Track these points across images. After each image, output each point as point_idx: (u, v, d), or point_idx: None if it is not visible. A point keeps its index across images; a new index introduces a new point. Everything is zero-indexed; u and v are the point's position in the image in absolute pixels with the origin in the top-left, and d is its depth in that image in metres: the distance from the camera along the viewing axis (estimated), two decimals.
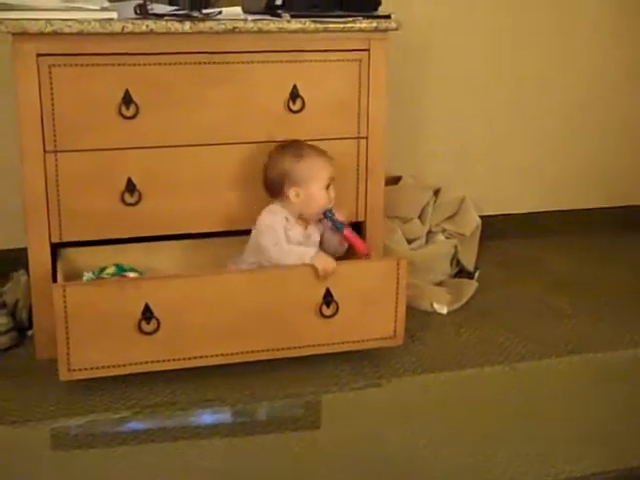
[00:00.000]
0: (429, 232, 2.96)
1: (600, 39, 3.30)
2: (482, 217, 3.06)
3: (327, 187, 2.34)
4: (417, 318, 2.63)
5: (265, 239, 2.30)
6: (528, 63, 3.25)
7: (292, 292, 2.25)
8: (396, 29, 2.39)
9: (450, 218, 3.02)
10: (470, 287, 2.86)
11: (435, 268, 2.90)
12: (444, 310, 2.73)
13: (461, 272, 3.00)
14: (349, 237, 2.37)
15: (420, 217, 2.95)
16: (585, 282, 2.99)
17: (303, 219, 2.38)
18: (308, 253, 2.29)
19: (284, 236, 2.33)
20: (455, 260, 2.98)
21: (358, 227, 2.55)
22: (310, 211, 2.37)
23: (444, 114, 3.21)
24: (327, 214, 2.37)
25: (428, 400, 2.26)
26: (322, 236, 2.44)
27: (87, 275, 2.37)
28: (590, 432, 1.83)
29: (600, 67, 3.33)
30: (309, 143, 2.37)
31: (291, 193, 2.33)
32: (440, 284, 2.89)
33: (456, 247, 2.96)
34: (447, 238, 2.97)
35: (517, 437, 2.10)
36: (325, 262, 2.27)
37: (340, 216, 2.38)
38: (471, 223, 3.01)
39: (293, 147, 2.35)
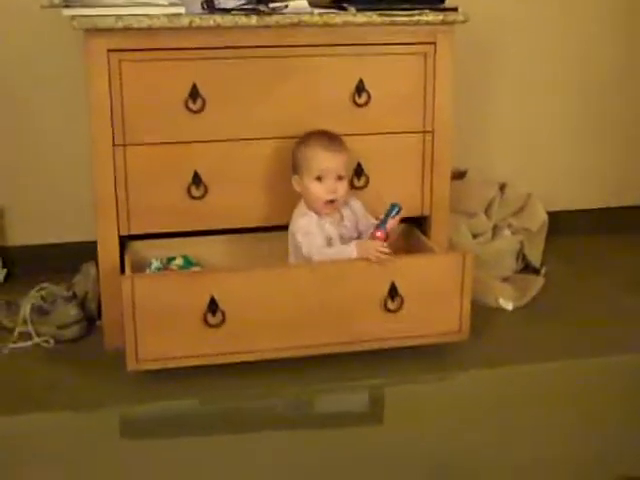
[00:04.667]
0: (495, 227, 2.93)
1: None
2: (549, 213, 3.01)
3: (319, 179, 2.29)
4: (482, 313, 2.60)
5: (305, 247, 2.30)
6: (596, 61, 3.19)
7: (357, 286, 2.25)
8: (463, 22, 2.37)
9: (516, 213, 2.98)
10: (536, 283, 2.82)
11: (501, 263, 2.87)
12: (510, 306, 2.69)
13: (527, 268, 2.96)
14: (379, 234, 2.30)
15: (486, 212, 2.92)
16: None
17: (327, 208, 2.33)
18: (347, 251, 2.26)
19: (321, 236, 2.31)
20: (521, 256, 2.94)
21: (423, 222, 2.54)
22: (310, 203, 2.33)
23: (511, 109, 3.17)
24: (391, 208, 2.32)
25: (493, 395, 2.25)
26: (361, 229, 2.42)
27: (155, 263, 2.41)
28: None
29: None
30: (332, 133, 2.32)
31: (293, 182, 2.33)
32: (506, 280, 2.85)
33: (522, 243, 2.92)
34: (513, 234, 2.93)
35: (583, 434, 2.07)
36: (369, 249, 2.24)
37: (392, 224, 2.32)
38: (538, 219, 2.97)
39: (310, 133, 2.32)
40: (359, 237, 2.40)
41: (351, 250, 2.26)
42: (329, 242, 2.34)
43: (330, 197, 2.30)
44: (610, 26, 3.17)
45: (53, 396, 2.19)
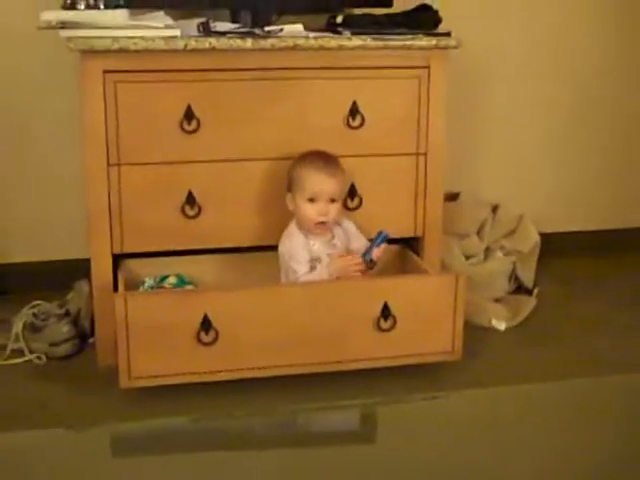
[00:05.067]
0: (487, 249, 2.95)
1: None
2: (541, 234, 3.03)
3: (312, 200, 2.30)
4: (475, 334, 2.61)
5: (290, 271, 2.33)
6: (588, 84, 3.23)
7: (349, 305, 2.26)
8: (456, 47, 2.40)
9: (508, 235, 3.00)
10: (529, 304, 2.84)
11: (493, 285, 2.89)
12: (502, 326, 2.71)
13: (519, 289, 2.98)
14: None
15: (478, 233, 2.94)
16: None
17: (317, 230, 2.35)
18: (319, 274, 2.31)
19: (306, 259, 2.33)
20: (513, 277, 2.96)
21: (416, 243, 2.56)
22: (301, 223, 2.35)
23: (503, 132, 3.20)
24: (377, 236, 2.35)
25: (486, 415, 2.25)
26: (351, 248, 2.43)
27: (148, 282, 2.42)
28: None
29: None
30: (329, 155, 2.34)
31: (287, 199, 2.35)
32: (498, 300, 2.87)
33: (514, 264, 2.94)
34: (505, 255, 2.95)
35: (576, 454, 2.07)
36: (347, 268, 2.30)
37: (377, 252, 2.35)
38: (530, 240, 2.99)
39: (308, 153, 2.34)
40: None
41: (318, 274, 2.29)
42: (316, 263, 2.35)
43: (321, 219, 2.32)
44: (600, 49, 3.20)
45: (45, 413, 2.19)
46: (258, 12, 2.54)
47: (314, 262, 2.35)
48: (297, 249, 2.33)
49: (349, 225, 2.43)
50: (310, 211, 2.31)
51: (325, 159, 2.33)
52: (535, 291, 2.95)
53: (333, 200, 2.32)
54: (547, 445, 2.10)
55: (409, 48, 2.37)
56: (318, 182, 2.29)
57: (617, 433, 2.15)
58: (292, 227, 2.37)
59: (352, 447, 2.13)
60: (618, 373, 2.45)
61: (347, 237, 2.42)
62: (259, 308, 2.22)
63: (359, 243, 2.42)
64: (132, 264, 2.45)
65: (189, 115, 2.29)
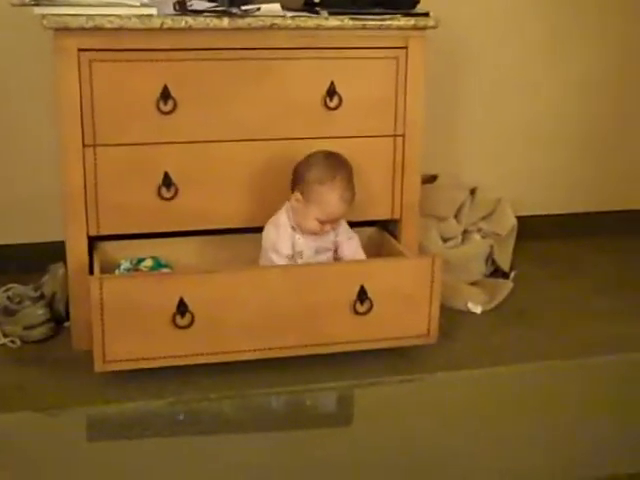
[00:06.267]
0: (465, 231, 2.95)
1: None
2: (519, 218, 3.04)
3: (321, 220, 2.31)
4: (451, 317, 2.62)
5: (268, 261, 2.33)
6: (568, 65, 3.22)
7: (326, 289, 2.25)
8: (434, 27, 2.38)
9: (486, 218, 3.00)
10: (505, 287, 2.84)
11: (470, 268, 2.89)
12: (478, 309, 2.71)
13: (496, 272, 2.98)
14: None
15: (456, 216, 2.94)
16: (625, 283, 2.96)
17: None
18: None
19: (288, 251, 2.33)
20: (490, 260, 2.97)
21: (393, 225, 2.55)
22: (299, 222, 2.34)
23: (481, 114, 3.19)
24: None
25: (461, 398, 2.25)
26: (337, 244, 2.43)
27: (124, 264, 2.39)
28: (627, 432, 1.81)
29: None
30: (351, 170, 2.32)
31: (294, 196, 2.32)
32: (475, 284, 2.87)
33: (492, 247, 2.94)
34: (483, 238, 2.96)
35: (552, 437, 2.08)
36: None
37: None
38: (507, 223, 3.00)
39: (334, 167, 2.29)
40: (335, 249, 2.42)
41: None
42: (297, 257, 2.34)
43: (321, 233, 2.34)
44: (581, 31, 3.20)
45: (20, 397, 2.18)
46: None
47: (296, 256, 2.34)
48: (281, 242, 2.32)
49: (342, 223, 2.42)
50: (315, 225, 2.31)
51: (349, 180, 2.30)
52: (512, 274, 2.95)
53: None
54: (523, 427, 2.10)
55: (387, 28, 2.35)
56: (336, 208, 2.30)
57: (595, 415, 2.16)
58: (282, 217, 2.35)
59: (329, 429, 2.13)
60: (596, 355, 2.47)
61: (335, 232, 2.40)
62: (235, 291, 2.21)
63: (344, 235, 2.42)
64: (108, 247, 2.43)
65: (165, 95, 2.27)
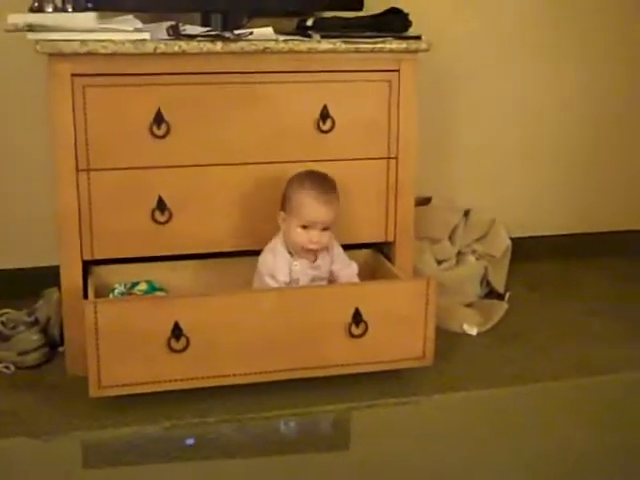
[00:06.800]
0: (459, 253, 2.96)
1: None
2: (512, 239, 3.05)
3: (304, 227, 2.28)
4: (446, 339, 2.61)
5: (264, 285, 2.32)
6: (562, 87, 3.24)
7: (321, 311, 2.25)
8: (426, 50, 2.40)
9: (480, 239, 3.01)
10: (500, 308, 2.84)
11: (465, 289, 2.89)
12: (474, 331, 2.71)
13: (491, 293, 2.98)
14: None
15: (450, 238, 2.95)
16: (619, 305, 2.96)
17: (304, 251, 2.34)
18: None
19: (285, 280, 2.31)
20: (485, 282, 2.97)
21: (387, 248, 2.55)
22: (289, 243, 2.32)
23: (475, 136, 3.20)
24: None
25: (457, 420, 2.25)
26: (334, 273, 2.42)
27: (118, 288, 2.39)
28: (622, 452, 1.81)
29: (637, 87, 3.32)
30: (328, 181, 2.31)
31: (279, 217, 2.33)
32: (470, 305, 2.87)
33: (486, 268, 2.94)
34: (477, 259, 2.96)
35: (547, 458, 2.08)
36: None
37: None
38: (501, 244, 3.00)
39: (307, 176, 2.30)
40: (331, 278, 2.41)
41: None
42: (293, 285, 2.33)
43: (311, 247, 2.30)
44: (577, 53, 3.22)
45: (14, 423, 2.16)
46: (229, 15, 2.53)
47: (292, 284, 2.33)
48: (279, 268, 2.31)
49: (337, 249, 2.41)
50: (302, 237, 2.29)
51: (323, 186, 2.29)
52: (507, 296, 2.95)
53: (325, 228, 2.31)
54: (518, 447, 2.10)
55: (379, 51, 2.37)
56: (314, 211, 2.27)
57: (588, 435, 2.16)
58: (277, 243, 2.34)
59: (326, 452, 2.12)
60: (590, 376, 2.47)
61: (331, 259, 2.40)
62: (230, 315, 2.20)
63: (341, 264, 2.41)
64: (102, 271, 2.42)
65: (159, 119, 2.27)
